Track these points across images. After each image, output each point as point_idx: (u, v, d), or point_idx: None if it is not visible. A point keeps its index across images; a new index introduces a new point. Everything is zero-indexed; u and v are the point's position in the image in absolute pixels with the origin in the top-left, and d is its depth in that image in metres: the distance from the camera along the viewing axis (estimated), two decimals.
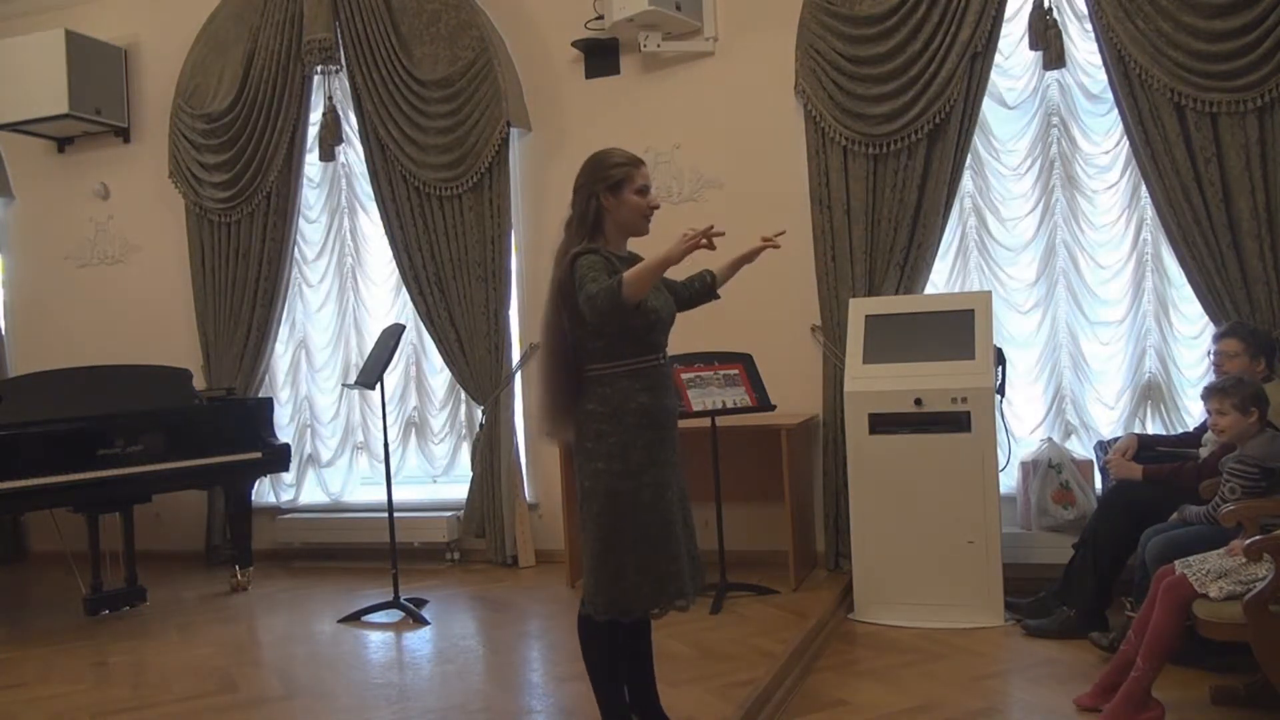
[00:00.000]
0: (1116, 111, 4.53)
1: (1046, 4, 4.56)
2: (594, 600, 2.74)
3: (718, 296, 3.14)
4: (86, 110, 6.04)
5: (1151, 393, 4.66)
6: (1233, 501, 3.26)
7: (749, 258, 3.08)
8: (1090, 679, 3.38)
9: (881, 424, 4.27)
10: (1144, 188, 4.54)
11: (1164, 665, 3.04)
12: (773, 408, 4.57)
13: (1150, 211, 4.57)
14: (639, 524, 2.69)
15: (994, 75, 4.73)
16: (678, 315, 3.01)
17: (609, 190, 2.77)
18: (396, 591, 4.59)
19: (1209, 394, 3.47)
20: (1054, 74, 4.68)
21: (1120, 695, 3.04)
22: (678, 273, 2.87)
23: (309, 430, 6.10)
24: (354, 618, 4.54)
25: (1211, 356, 3.97)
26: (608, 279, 2.60)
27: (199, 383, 5.78)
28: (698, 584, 2.85)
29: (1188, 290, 4.47)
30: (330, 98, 5.84)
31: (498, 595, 4.94)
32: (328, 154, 5.86)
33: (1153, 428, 4.61)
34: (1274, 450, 3.29)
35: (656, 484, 2.72)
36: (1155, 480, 3.81)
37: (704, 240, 2.64)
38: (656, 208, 2.85)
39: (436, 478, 5.86)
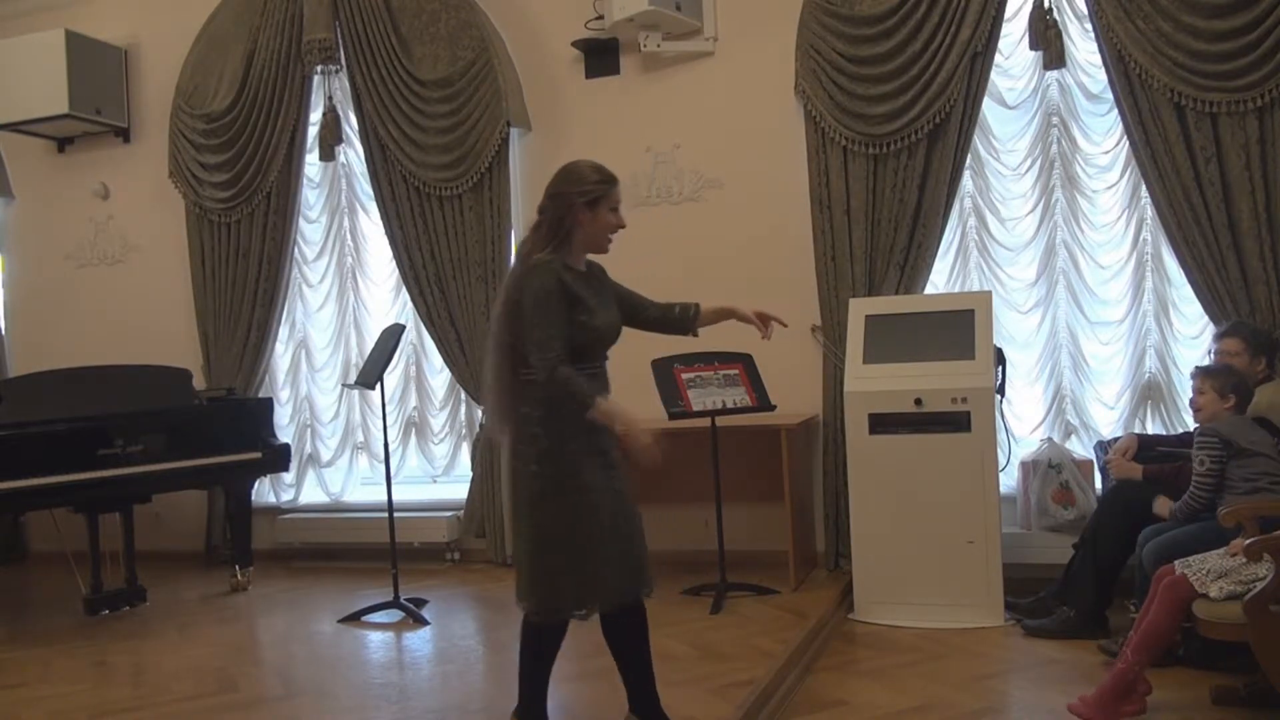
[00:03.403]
0: (1116, 111, 4.53)
1: (1046, 4, 4.56)
2: (525, 601, 2.76)
3: (695, 334, 3.15)
4: (86, 110, 6.04)
5: (1151, 393, 4.66)
6: (1202, 474, 3.38)
7: (739, 316, 3.10)
8: (1090, 679, 3.39)
9: (881, 424, 4.27)
10: (1144, 188, 4.54)
11: (1151, 661, 3.04)
12: (773, 408, 4.56)
13: (1150, 211, 4.57)
14: (571, 526, 2.69)
15: (994, 75, 4.73)
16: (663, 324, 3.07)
17: (587, 205, 2.77)
18: (396, 591, 4.59)
19: (1196, 373, 3.61)
20: (1054, 74, 4.68)
21: (1107, 686, 3.03)
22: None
23: (309, 430, 6.09)
24: (354, 618, 4.54)
25: (1212, 356, 3.97)
26: (562, 353, 2.64)
27: (199, 383, 5.78)
28: (640, 585, 2.82)
29: (1188, 290, 4.47)
30: (330, 98, 5.84)
31: (498, 595, 4.93)
32: (328, 154, 5.86)
33: (1153, 428, 4.61)
34: (1238, 427, 3.39)
35: (589, 487, 2.72)
36: (1155, 480, 3.81)
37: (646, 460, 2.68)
38: (623, 227, 2.86)
39: (436, 478, 5.85)
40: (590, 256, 2.92)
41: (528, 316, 2.68)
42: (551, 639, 2.83)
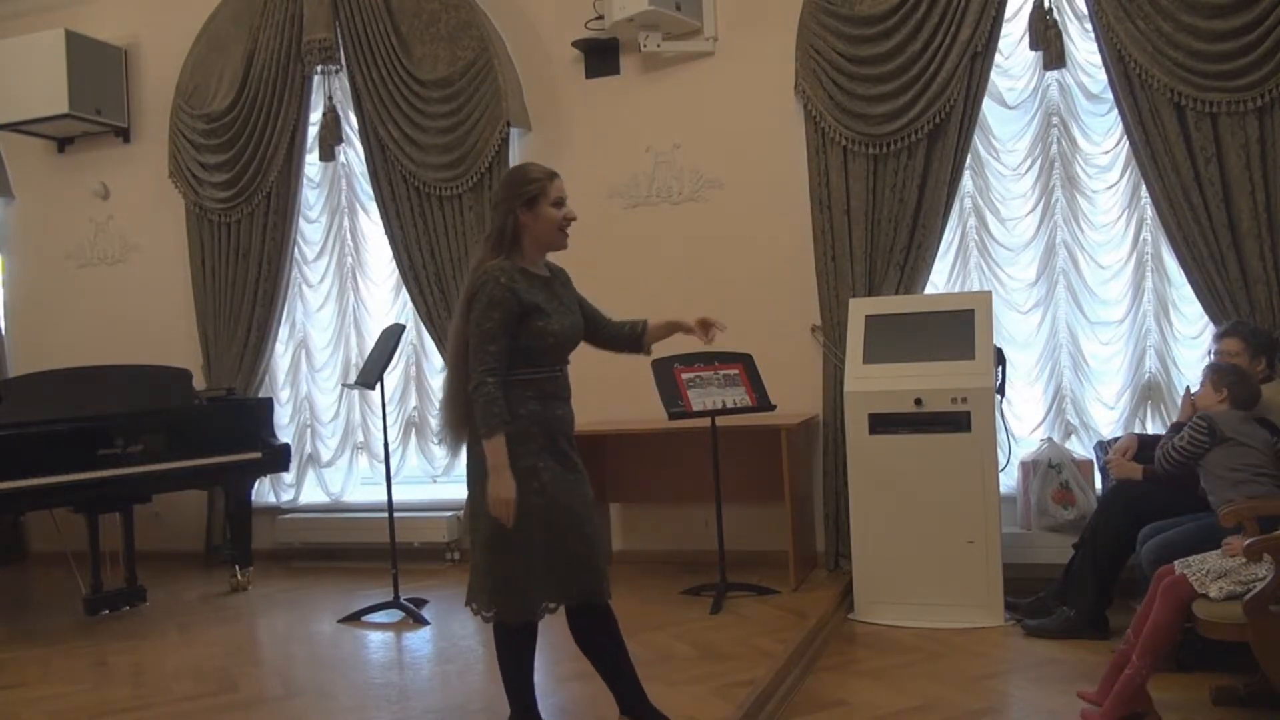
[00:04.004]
0: (1116, 111, 4.53)
1: (1046, 4, 4.56)
2: (479, 602, 2.79)
3: (648, 352, 3.13)
4: (86, 110, 6.04)
5: (1151, 393, 4.65)
6: (1177, 446, 3.46)
7: (682, 328, 3.09)
8: (1090, 678, 3.39)
9: (881, 424, 4.27)
10: (1144, 188, 4.54)
11: (1158, 664, 3.04)
12: (773, 408, 4.56)
13: (1150, 211, 4.57)
14: (525, 529, 2.70)
15: (994, 75, 4.73)
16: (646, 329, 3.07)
17: (525, 205, 2.78)
18: (396, 591, 4.59)
19: (1205, 369, 3.73)
20: (1054, 74, 4.68)
21: (1114, 693, 3.04)
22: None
23: (309, 430, 6.10)
24: (354, 618, 4.54)
25: (1212, 356, 3.96)
26: (495, 367, 2.65)
27: (199, 383, 5.78)
28: (598, 587, 2.83)
29: (1188, 290, 4.47)
30: (330, 98, 5.84)
31: None
32: (328, 154, 5.86)
33: (1153, 428, 4.60)
34: (1229, 420, 3.43)
35: (545, 490, 2.72)
36: (1155, 480, 3.81)
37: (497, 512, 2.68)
38: (573, 219, 2.86)
39: (436, 478, 5.85)
40: (555, 262, 2.93)
41: (472, 326, 2.69)
42: (524, 640, 2.85)
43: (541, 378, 2.76)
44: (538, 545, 2.73)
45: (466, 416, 2.76)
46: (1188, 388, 4.06)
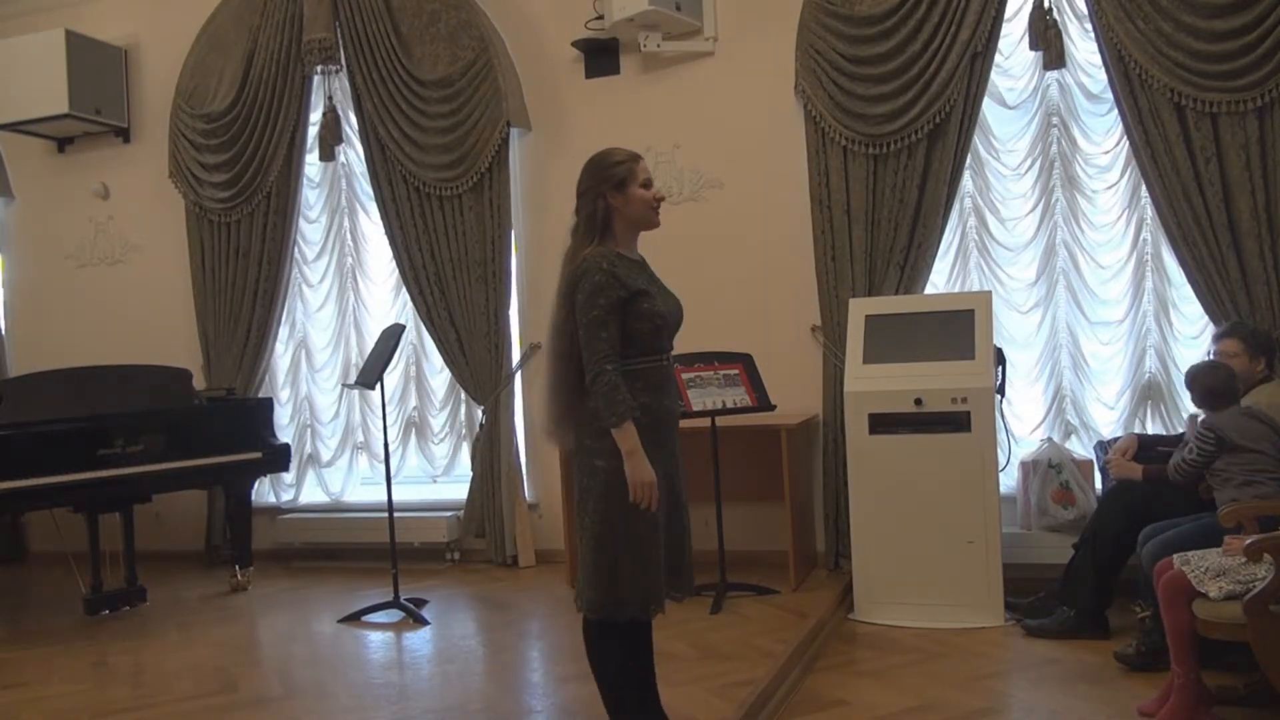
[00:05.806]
0: (1116, 111, 4.53)
1: (1046, 4, 4.56)
2: (586, 599, 2.74)
3: None
4: (86, 110, 6.04)
5: (1151, 393, 4.66)
6: (1188, 460, 3.45)
7: None
8: (1090, 679, 3.41)
9: (881, 424, 4.27)
10: (1144, 188, 4.54)
11: (1197, 660, 3.02)
12: (773, 408, 4.57)
13: (1150, 211, 4.57)
14: (633, 522, 2.68)
15: (994, 75, 4.73)
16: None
17: (615, 189, 2.76)
18: (396, 591, 4.59)
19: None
20: (1054, 74, 4.68)
21: (1171, 704, 3.04)
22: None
23: (309, 430, 6.10)
24: (354, 618, 4.54)
25: (1211, 357, 3.96)
26: (610, 354, 2.62)
27: (199, 383, 5.78)
28: (689, 585, 2.84)
29: (1188, 290, 4.48)
30: (330, 98, 5.84)
31: (498, 595, 4.94)
32: (328, 154, 5.86)
33: (1153, 428, 4.61)
34: (1234, 424, 3.42)
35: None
36: (1155, 480, 3.81)
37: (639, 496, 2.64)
38: (663, 199, 2.86)
39: (436, 478, 5.85)
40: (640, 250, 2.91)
41: (580, 316, 2.66)
42: (619, 638, 2.76)
43: (650, 367, 2.73)
44: (640, 540, 2.68)
45: (571, 410, 2.75)
46: (1110, 443, 4.19)
